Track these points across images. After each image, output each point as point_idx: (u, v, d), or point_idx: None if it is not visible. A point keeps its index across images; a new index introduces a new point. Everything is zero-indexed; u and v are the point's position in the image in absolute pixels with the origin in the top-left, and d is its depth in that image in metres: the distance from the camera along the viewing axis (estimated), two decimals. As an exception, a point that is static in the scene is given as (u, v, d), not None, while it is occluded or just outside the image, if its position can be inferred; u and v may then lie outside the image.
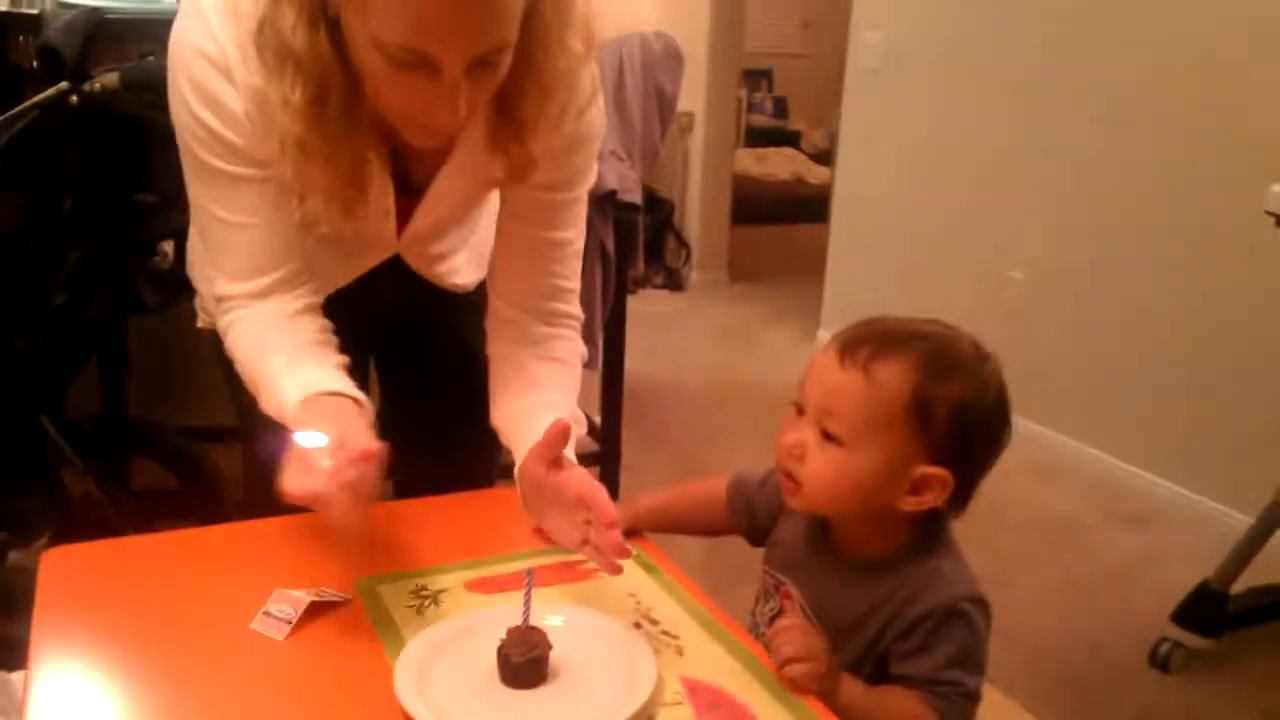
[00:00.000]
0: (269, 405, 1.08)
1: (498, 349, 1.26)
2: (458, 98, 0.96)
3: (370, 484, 0.94)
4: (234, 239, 1.12)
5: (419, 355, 1.45)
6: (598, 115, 1.19)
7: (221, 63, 1.03)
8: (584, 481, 1.04)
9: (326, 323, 1.16)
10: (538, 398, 1.20)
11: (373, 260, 1.28)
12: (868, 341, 0.97)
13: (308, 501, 0.92)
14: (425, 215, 1.22)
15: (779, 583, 1.09)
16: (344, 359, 1.12)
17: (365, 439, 0.96)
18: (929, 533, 1.01)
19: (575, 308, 1.29)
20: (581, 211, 1.25)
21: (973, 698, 0.97)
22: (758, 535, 1.16)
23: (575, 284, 1.28)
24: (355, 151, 1.05)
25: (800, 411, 0.99)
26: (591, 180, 1.24)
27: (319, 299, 1.18)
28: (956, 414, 0.95)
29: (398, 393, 1.49)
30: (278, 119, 1.01)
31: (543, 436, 1.07)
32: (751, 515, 1.15)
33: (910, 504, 0.97)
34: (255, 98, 1.03)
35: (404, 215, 1.21)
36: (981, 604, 0.99)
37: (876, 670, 1.00)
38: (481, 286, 1.35)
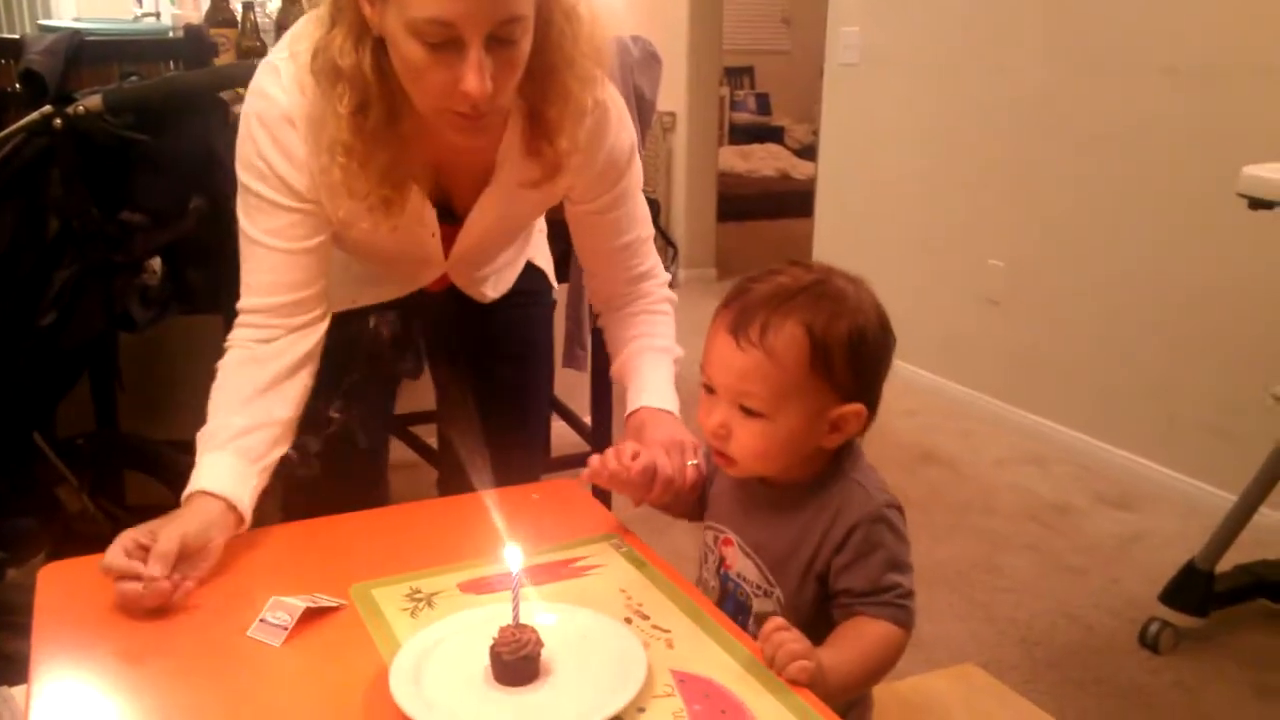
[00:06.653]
0: (197, 441, 1.21)
1: (604, 320, 1.52)
2: (483, 69, 1.09)
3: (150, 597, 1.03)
4: (260, 257, 1.25)
5: (462, 355, 1.60)
6: (625, 138, 1.36)
7: (288, 110, 1.20)
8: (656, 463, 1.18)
9: (297, 391, 1.27)
10: (636, 345, 1.45)
11: (427, 278, 1.46)
12: (754, 316, 1.03)
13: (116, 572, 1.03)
14: (468, 235, 1.38)
15: (718, 533, 1.15)
16: (273, 453, 1.22)
17: (168, 561, 1.04)
18: (843, 453, 1.09)
19: (654, 267, 1.50)
20: (635, 212, 1.44)
21: (911, 595, 1.05)
22: (703, 508, 1.21)
23: (649, 255, 1.49)
24: (392, 154, 1.20)
25: (711, 391, 1.07)
26: (637, 190, 1.43)
27: (319, 340, 1.30)
28: (851, 352, 1.03)
29: (447, 391, 1.63)
30: (328, 130, 1.18)
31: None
32: (704, 489, 1.21)
33: (834, 440, 1.06)
34: (310, 122, 1.19)
35: (450, 240, 1.39)
36: (898, 509, 1.07)
37: (819, 588, 1.07)
38: (506, 295, 1.57)
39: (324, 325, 1.30)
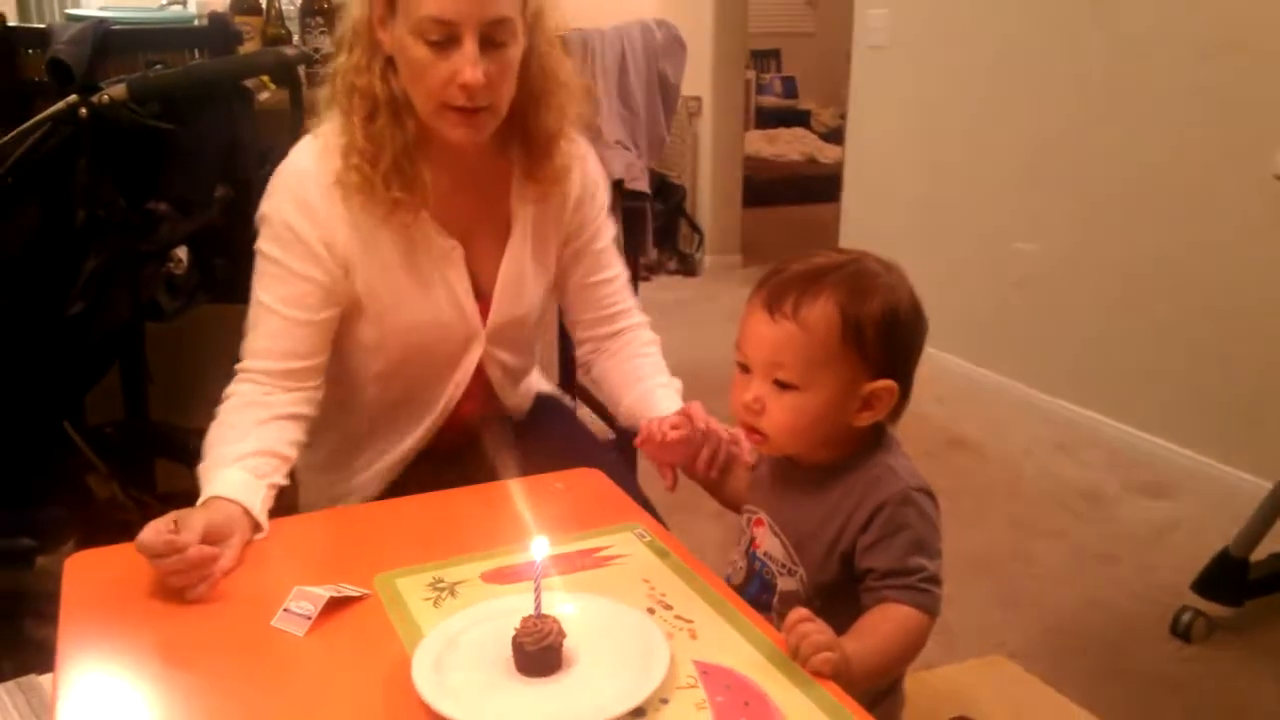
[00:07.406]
0: (200, 473, 1.24)
1: (595, 371, 1.59)
2: (477, 61, 1.26)
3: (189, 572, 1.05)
4: (268, 322, 1.34)
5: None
6: (602, 178, 1.54)
7: (321, 179, 1.33)
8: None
9: (294, 436, 1.32)
10: (639, 389, 1.51)
11: (467, 369, 1.49)
12: (788, 291, 1.05)
13: (153, 548, 1.04)
14: (504, 289, 1.46)
15: (751, 514, 1.17)
16: (275, 475, 1.26)
17: (194, 535, 1.06)
18: (875, 435, 1.11)
19: (633, 308, 1.60)
20: (611, 250, 1.57)
21: (937, 581, 1.04)
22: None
23: (627, 295, 1.59)
24: (396, 152, 1.33)
25: (746, 370, 1.08)
26: (612, 233, 1.57)
27: (312, 408, 1.36)
28: (883, 328, 1.05)
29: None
30: (344, 139, 1.33)
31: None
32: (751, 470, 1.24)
33: (865, 419, 1.07)
34: (332, 144, 1.33)
35: (485, 314, 1.47)
36: (928, 494, 1.07)
37: (844, 569, 1.07)
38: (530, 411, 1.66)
39: (319, 395, 1.37)
